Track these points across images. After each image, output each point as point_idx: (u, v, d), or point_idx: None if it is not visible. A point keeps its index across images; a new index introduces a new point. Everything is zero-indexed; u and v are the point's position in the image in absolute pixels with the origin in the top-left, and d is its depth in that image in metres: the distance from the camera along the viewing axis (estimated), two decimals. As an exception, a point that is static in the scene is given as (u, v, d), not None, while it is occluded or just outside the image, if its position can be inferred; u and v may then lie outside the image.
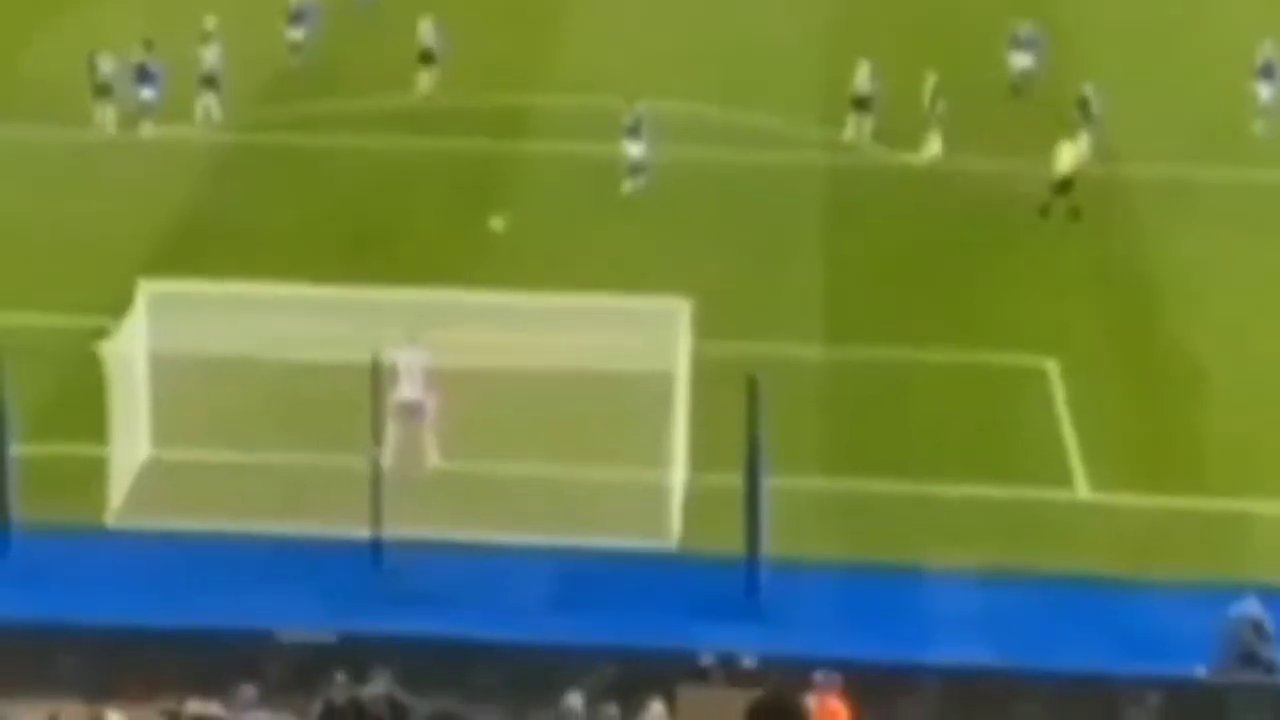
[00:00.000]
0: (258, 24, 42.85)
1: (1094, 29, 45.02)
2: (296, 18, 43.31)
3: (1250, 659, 22.87)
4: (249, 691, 20.69)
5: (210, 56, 40.44)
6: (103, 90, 39.60)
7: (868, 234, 35.96)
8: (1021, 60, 41.78)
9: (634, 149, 37.36)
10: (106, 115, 39.66)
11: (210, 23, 41.01)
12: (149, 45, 39.90)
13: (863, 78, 39.95)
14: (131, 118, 39.66)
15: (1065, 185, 35.94)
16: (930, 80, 39.23)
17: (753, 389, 24.88)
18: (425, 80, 41.62)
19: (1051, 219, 36.34)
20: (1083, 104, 38.87)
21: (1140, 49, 43.71)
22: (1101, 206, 36.89)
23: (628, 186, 37.17)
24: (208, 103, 40.19)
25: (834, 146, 39.56)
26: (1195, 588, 24.89)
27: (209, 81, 40.19)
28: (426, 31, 41.90)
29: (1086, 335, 32.09)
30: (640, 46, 43.92)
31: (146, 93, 39.67)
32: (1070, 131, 38.22)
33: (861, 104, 39.86)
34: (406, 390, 27.20)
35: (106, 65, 39.58)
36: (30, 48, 42.99)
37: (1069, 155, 36.02)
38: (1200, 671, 23.06)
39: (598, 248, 34.66)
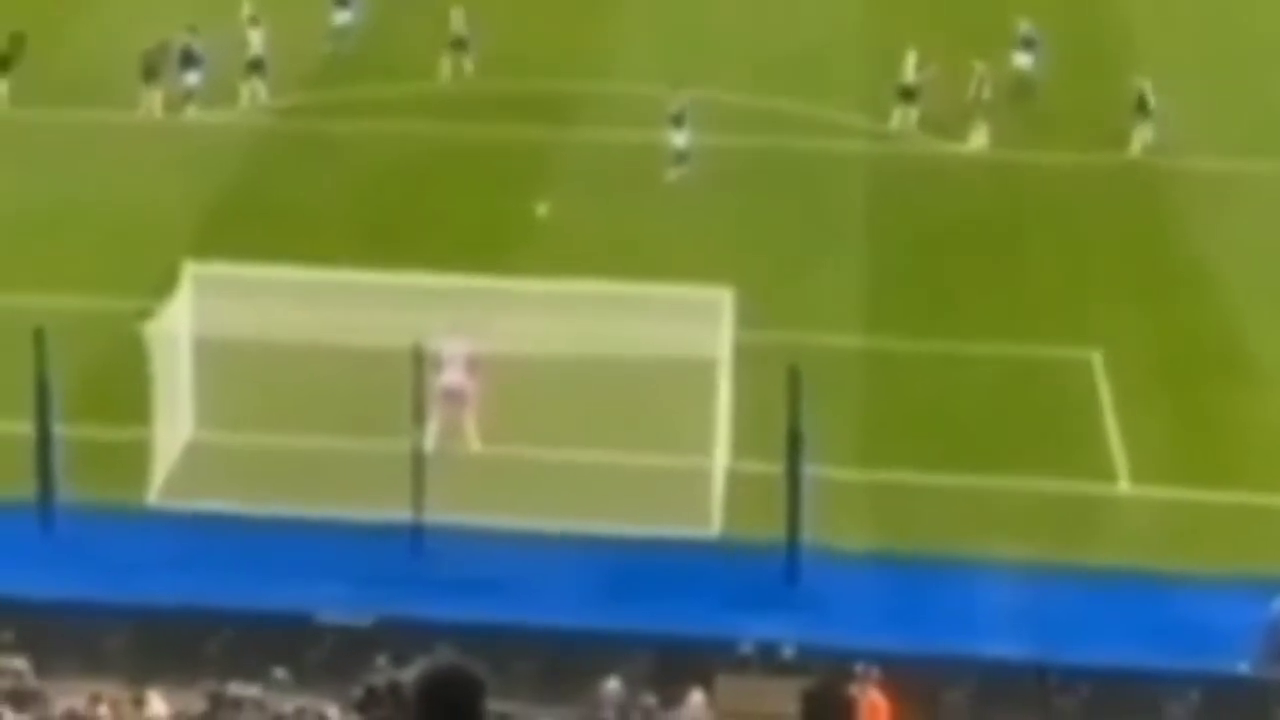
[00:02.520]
0: (301, 9, 42.91)
1: (1146, 20, 44.74)
2: (343, 2, 43.35)
3: (1292, 655, 22.75)
4: (284, 674, 20.76)
5: (256, 41, 40.55)
6: (149, 74, 39.74)
7: (912, 224, 35.83)
8: (1022, 60, 41.15)
9: (678, 138, 37.32)
10: (152, 99, 39.81)
11: (255, 7, 41.09)
12: (193, 30, 40.03)
13: (909, 67, 39.85)
14: (177, 102, 39.80)
15: None
16: (976, 70, 39.08)
17: (794, 379, 24.83)
18: (447, 67, 41.52)
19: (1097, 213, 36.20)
20: (1140, 99, 38.61)
21: (1192, 41, 43.44)
22: (1148, 199, 36.72)
23: (672, 175, 37.12)
24: (254, 87, 40.30)
25: (879, 136, 39.45)
26: (1237, 582, 24.74)
27: (255, 65, 40.30)
28: (458, 19, 41.84)
29: (1131, 328, 31.92)
30: (685, 33, 43.83)
31: (191, 77, 39.82)
32: (1125, 123, 38.11)
33: (907, 94, 39.76)
34: (449, 376, 27.23)
35: (153, 50, 39.73)
36: (77, 32, 43.12)
37: None
38: (1242, 667, 22.96)
39: (641, 236, 34.61)
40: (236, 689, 19.76)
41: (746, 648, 22.52)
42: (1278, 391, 30.10)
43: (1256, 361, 31.00)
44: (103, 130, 38.73)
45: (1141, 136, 38.44)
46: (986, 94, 38.94)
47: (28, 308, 28.75)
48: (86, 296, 31.16)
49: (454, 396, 27.35)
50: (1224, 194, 36.50)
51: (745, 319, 27.30)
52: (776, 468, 25.10)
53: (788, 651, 22.71)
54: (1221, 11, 45.32)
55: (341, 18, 43.43)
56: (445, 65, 41.62)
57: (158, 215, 34.75)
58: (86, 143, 38.19)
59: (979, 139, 38.93)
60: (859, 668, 20.92)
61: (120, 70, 39.76)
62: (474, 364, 27.25)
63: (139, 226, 34.28)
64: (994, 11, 43.68)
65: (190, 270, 27.22)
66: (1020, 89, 40.70)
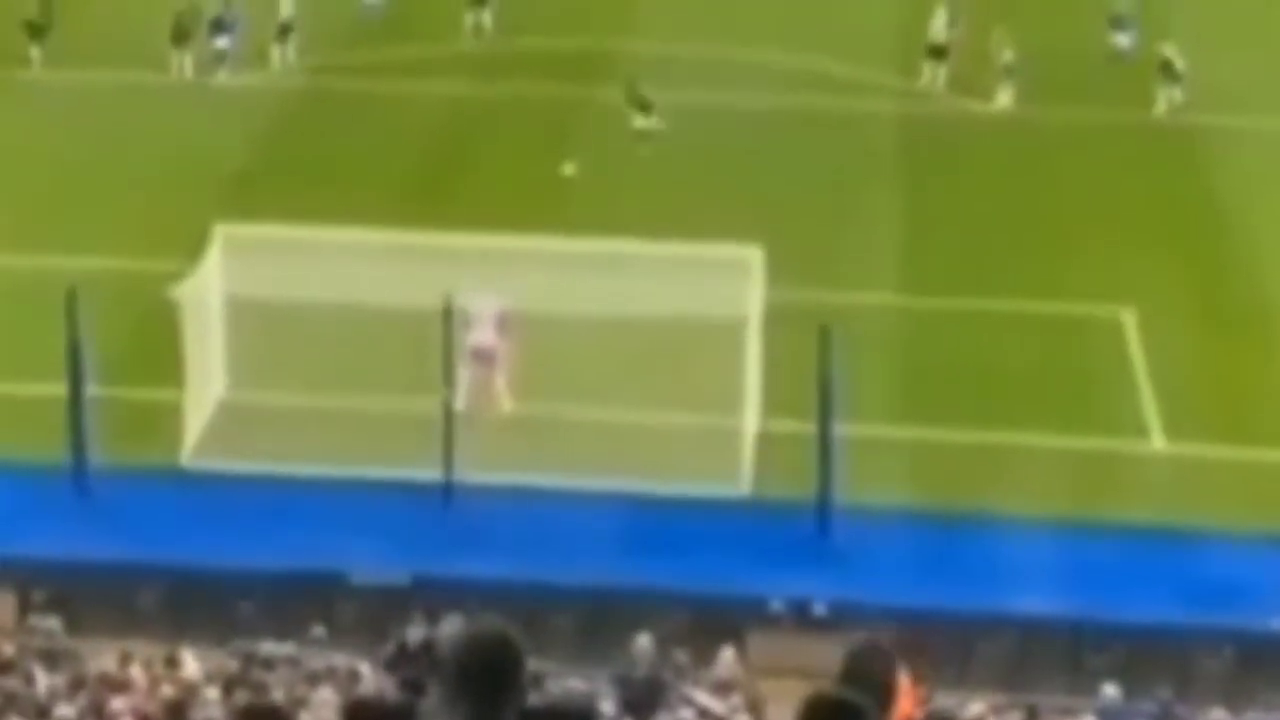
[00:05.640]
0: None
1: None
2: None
3: (1326, 611, 22.67)
4: (319, 632, 20.82)
5: (286, 5, 40.51)
6: (179, 37, 39.76)
7: (942, 182, 35.69)
8: (1122, 40, 40.76)
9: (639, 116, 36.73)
10: (183, 62, 39.82)
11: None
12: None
13: (938, 25, 39.68)
14: (208, 65, 39.80)
15: None
16: (996, 32, 38.94)
17: (825, 338, 24.76)
18: (469, 25, 41.47)
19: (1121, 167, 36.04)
20: (1166, 64, 38.34)
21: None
22: (1178, 156, 36.50)
23: (643, 152, 36.70)
24: (285, 51, 40.28)
25: (909, 94, 39.28)
26: (1271, 539, 24.66)
27: (285, 30, 40.29)
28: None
29: (1162, 286, 31.76)
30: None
31: (222, 40, 39.84)
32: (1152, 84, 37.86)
33: (937, 52, 39.59)
34: (479, 335, 27.22)
35: (184, 11, 39.75)
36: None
37: None
38: (1276, 624, 22.89)
39: (670, 194, 34.51)
40: (270, 648, 19.81)
41: (778, 605, 22.52)
42: (1311, 348, 29.94)
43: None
44: (134, 92, 38.73)
45: (1168, 96, 38.21)
46: (1008, 57, 38.72)
47: (59, 270, 28.79)
48: (117, 259, 31.19)
49: (483, 355, 27.34)
50: (1254, 150, 36.26)
51: (775, 277, 27.22)
52: (807, 426, 25.05)
53: (819, 608, 22.73)
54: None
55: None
56: (467, 23, 41.57)
57: (189, 177, 34.74)
58: (117, 105, 38.20)
59: (1004, 98, 38.76)
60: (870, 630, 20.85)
61: (151, 33, 39.76)
62: (503, 323, 27.23)
63: (170, 188, 34.27)
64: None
65: (221, 231, 27.24)
66: (1117, 63, 40.25)
